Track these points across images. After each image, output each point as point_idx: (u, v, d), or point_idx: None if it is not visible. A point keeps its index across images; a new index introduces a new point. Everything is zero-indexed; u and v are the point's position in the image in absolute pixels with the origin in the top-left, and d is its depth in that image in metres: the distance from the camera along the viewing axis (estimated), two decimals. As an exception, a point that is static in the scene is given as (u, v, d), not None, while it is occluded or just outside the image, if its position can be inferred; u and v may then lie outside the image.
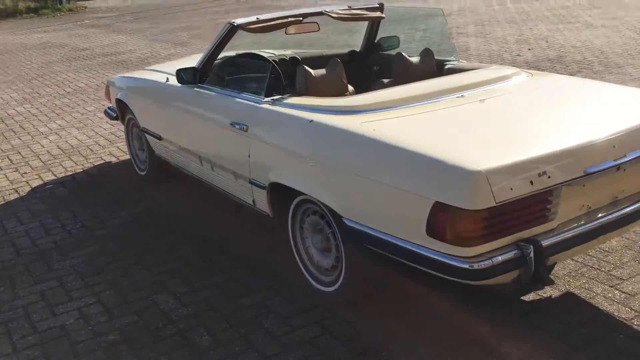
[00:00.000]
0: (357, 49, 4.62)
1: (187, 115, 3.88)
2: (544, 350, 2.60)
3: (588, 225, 2.50)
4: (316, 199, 2.83)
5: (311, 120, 2.89)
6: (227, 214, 4.10)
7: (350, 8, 4.10)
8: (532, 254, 2.27)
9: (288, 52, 4.39)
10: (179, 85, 3.93)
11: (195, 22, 14.91)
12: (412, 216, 2.37)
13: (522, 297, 2.98)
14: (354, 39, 4.74)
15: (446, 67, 3.84)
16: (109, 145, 5.82)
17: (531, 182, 2.28)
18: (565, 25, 10.86)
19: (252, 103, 3.29)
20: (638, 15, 11.49)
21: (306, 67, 3.37)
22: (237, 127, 3.29)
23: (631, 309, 2.84)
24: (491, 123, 2.77)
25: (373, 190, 2.54)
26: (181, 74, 3.78)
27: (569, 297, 2.98)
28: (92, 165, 5.31)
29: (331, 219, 2.83)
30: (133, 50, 11.30)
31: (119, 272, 3.49)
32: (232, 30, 3.72)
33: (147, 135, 4.47)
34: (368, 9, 4.17)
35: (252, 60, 3.88)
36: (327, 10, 3.97)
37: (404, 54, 3.79)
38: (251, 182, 3.29)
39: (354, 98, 3.07)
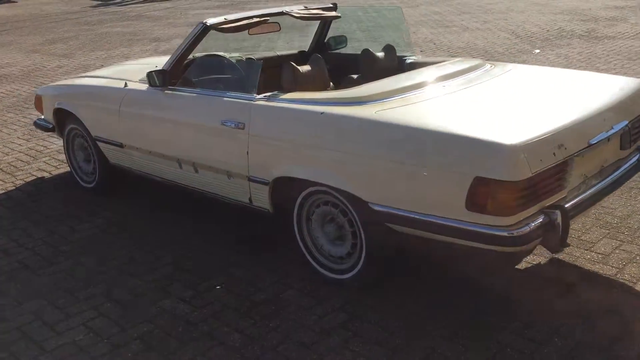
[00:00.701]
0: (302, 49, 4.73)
1: (161, 119, 3.79)
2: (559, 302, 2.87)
3: (590, 190, 2.80)
4: (335, 187, 2.91)
5: (322, 113, 2.97)
6: (199, 216, 4.06)
7: (306, 8, 4.21)
8: (559, 219, 2.51)
9: (243, 54, 4.40)
10: (145, 89, 3.84)
11: (67, 32, 14.15)
12: (450, 193, 2.53)
13: (516, 267, 3.25)
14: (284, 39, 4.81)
15: (407, 61, 4.06)
16: (33, 161, 5.46)
17: (554, 154, 2.53)
18: (445, 29, 11.62)
19: (245, 101, 3.31)
20: (504, 19, 12.53)
21: (293, 64, 3.44)
22: (231, 125, 3.29)
23: (612, 267, 3.19)
24: (496, 105, 3.02)
25: (404, 173, 2.67)
26: (153, 77, 3.70)
27: (555, 262, 3.29)
28: (23, 182, 4.97)
29: (349, 206, 2.93)
30: (11, 63, 10.56)
31: (108, 284, 3.35)
32: (205, 30, 3.70)
33: (101, 144, 4.28)
34: (323, 9, 4.30)
35: (236, 60, 3.86)
36: (287, 10, 4.06)
37: (371, 50, 3.95)
38: (250, 180, 3.30)
39: (352, 91, 3.17)
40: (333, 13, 4.29)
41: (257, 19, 3.85)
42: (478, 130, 2.56)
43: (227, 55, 4.17)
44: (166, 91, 3.78)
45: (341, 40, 4.68)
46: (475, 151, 2.47)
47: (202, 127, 3.52)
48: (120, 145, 4.10)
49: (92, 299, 3.22)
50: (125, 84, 4.10)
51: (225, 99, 3.44)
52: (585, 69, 7.53)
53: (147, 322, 2.99)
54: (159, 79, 3.73)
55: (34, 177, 5.06)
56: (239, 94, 3.40)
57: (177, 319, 2.99)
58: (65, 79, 5.28)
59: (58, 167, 5.26)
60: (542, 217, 2.52)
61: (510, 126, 2.65)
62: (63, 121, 4.66)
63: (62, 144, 4.83)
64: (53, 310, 3.14)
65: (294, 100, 3.17)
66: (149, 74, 3.72)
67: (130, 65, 5.19)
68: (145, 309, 3.10)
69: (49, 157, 5.51)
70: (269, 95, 3.28)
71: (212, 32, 3.71)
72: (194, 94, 3.64)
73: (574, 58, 8.41)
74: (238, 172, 3.36)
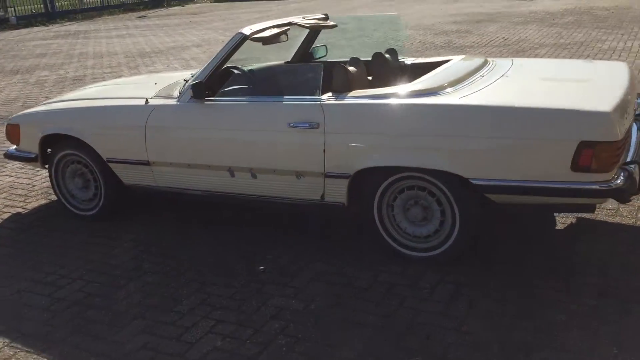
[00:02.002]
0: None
1: (205, 130, 3.81)
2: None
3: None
4: (430, 169, 3.22)
5: (405, 104, 3.28)
6: (234, 225, 4.12)
7: (304, 18, 4.46)
8: (637, 171, 3.07)
9: (256, 64, 4.52)
10: (175, 103, 3.86)
11: None
12: (555, 159, 2.98)
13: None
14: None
15: (408, 62, 4.48)
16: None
17: (626, 119, 3.09)
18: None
19: (314, 102, 3.49)
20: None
21: (346, 66, 3.69)
22: (304, 126, 3.46)
23: None
24: (550, 86, 3.51)
25: (507, 148, 3.06)
26: (197, 90, 3.73)
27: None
28: (1, 219, 4.60)
29: (443, 186, 3.26)
30: None
31: (205, 291, 3.34)
32: (243, 40, 3.82)
33: (115, 165, 4.15)
34: (319, 19, 4.57)
35: (294, 66, 3.97)
36: (295, 20, 4.29)
37: (382, 53, 4.31)
38: (327, 176, 3.48)
39: (413, 85, 3.48)
40: (330, 22, 4.58)
41: (287, 27, 4.03)
42: (572, 102, 3.05)
43: (243, 67, 4.29)
44: (206, 102, 3.81)
45: (322, 50, 4.97)
46: (579, 119, 2.95)
47: (264, 132, 3.62)
48: (146, 163, 4.02)
49: (200, 306, 3.20)
50: (146, 100, 4.04)
51: (290, 102, 3.58)
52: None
53: (276, 319, 3.05)
54: (198, 91, 3.76)
55: (10, 213, 4.69)
56: (303, 97, 3.57)
57: (308, 315, 3.08)
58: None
59: (37, 198, 4.92)
60: (623, 172, 3.05)
61: (589, 98, 3.16)
62: (49, 149, 4.42)
63: (49, 174, 4.55)
64: (170, 330, 3.07)
65: (367, 96, 3.43)
66: (194, 86, 3.73)
67: (109, 86, 5.01)
68: (262, 312, 3.14)
69: (15, 193, 5.11)
70: (335, 95, 3.50)
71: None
72: (247, 102, 3.73)
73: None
74: (311, 170, 3.52)
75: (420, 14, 16.58)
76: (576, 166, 2.95)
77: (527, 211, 3.63)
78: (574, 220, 3.87)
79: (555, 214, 3.90)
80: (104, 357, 2.85)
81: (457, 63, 3.90)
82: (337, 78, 3.65)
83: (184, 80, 4.28)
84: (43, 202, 4.91)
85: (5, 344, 3.02)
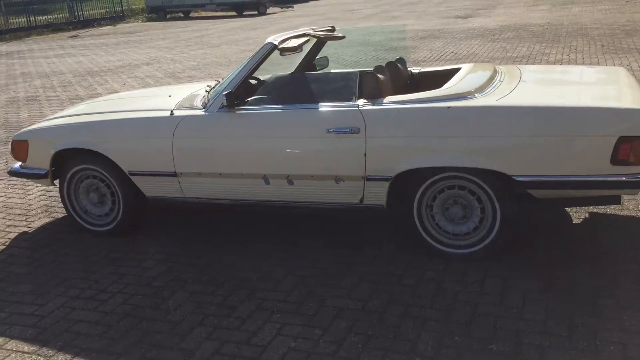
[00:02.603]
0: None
1: (238, 139, 3.84)
2: None
3: None
4: (473, 168, 3.38)
5: (448, 107, 3.44)
6: (263, 232, 4.16)
7: (315, 30, 4.58)
8: None
9: (281, 73, 4.60)
10: (203, 113, 3.88)
11: None
12: (595, 154, 3.21)
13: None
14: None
15: (415, 71, 4.66)
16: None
17: None
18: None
19: (352, 108, 3.60)
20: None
21: (377, 74, 3.82)
22: (344, 131, 3.55)
23: None
24: (572, 89, 3.75)
25: (550, 145, 3.26)
26: (230, 99, 3.77)
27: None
28: (8, 239, 4.44)
29: (484, 183, 3.42)
30: None
31: (260, 297, 3.36)
32: (272, 50, 3.89)
33: (138, 177, 4.10)
34: (328, 31, 4.70)
35: (327, 74, 4.05)
36: (309, 32, 4.40)
37: (395, 62, 4.47)
38: (368, 179, 3.59)
39: (443, 90, 3.64)
40: (339, 34, 4.70)
41: (306, 38, 4.13)
42: (609, 101, 3.30)
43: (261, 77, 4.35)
44: (237, 111, 3.84)
45: (324, 61, 5.09)
46: (618, 116, 3.19)
47: (302, 138, 3.69)
48: (173, 175, 4.00)
49: (258, 311, 3.22)
50: (171, 112, 4.03)
51: (327, 109, 3.67)
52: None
53: (340, 318, 3.11)
54: (231, 101, 3.79)
55: (20, 232, 4.54)
56: (339, 103, 3.67)
57: (369, 313, 3.16)
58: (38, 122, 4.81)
59: (38, 217, 4.77)
60: None
61: (622, 97, 3.42)
62: (61, 165, 4.33)
63: (60, 190, 4.43)
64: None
65: (404, 102, 3.57)
66: (227, 96, 3.76)
67: (116, 100, 4.93)
68: (324, 313, 3.19)
69: (19, 210, 4.93)
70: (371, 101, 3.62)
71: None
72: (282, 109, 3.79)
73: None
74: (351, 174, 3.61)
75: (362, 32, 16.98)
76: (615, 160, 3.18)
77: (562, 205, 3.84)
78: (587, 215, 4.12)
79: (567, 209, 4.14)
80: (180, 365, 2.83)
81: (473, 70, 4.09)
82: (370, 85, 3.76)
83: (206, 91, 4.29)
84: (46, 220, 4.77)
85: (69, 359, 2.94)
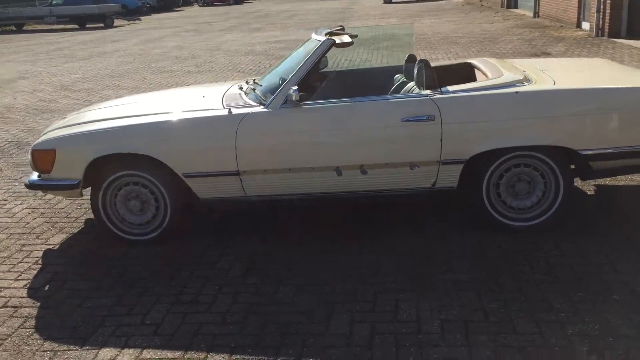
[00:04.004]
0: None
1: (310, 133, 3.89)
2: None
3: None
4: (544, 145, 3.77)
5: (517, 92, 3.81)
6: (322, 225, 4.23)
7: (331, 29, 4.73)
8: None
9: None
10: (266, 109, 3.91)
11: None
12: (643, 125, 3.75)
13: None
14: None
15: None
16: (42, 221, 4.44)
17: None
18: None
19: (425, 98, 3.84)
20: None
21: (430, 64, 4.08)
22: (421, 119, 3.78)
23: None
24: (596, 74, 4.29)
25: (607, 120, 3.75)
26: (301, 95, 3.82)
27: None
28: (53, 246, 4.08)
29: (550, 159, 3.83)
30: None
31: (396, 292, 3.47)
32: (330, 47, 4.02)
33: (194, 179, 3.97)
34: (341, 31, 4.86)
35: (389, 68, 4.21)
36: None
37: (411, 57, 4.75)
38: (443, 163, 3.84)
39: (497, 79, 4.00)
40: (353, 33, 4.88)
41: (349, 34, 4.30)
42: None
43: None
44: (304, 106, 3.91)
45: (325, 60, 5.24)
46: None
47: (377, 129, 3.85)
48: (235, 173, 3.94)
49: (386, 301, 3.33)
50: (229, 110, 3.98)
51: (399, 99, 3.88)
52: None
53: (458, 305, 3.33)
54: (295, 97, 3.84)
55: (63, 237, 4.17)
56: (410, 94, 3.89)
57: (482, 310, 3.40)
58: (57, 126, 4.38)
59: (73, 228, 4.39)
60: None
61: None
62: (97, 174, 4.07)
63: (93, 200, 4.14)
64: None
65: (469, 89, 3.88)
66: (297, 92, 3.79)
67: (141, 104, 4.68)
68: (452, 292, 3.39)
69: (51, 219, 4.50)
70: (440, 90, 3.89)
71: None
72: (353, 102, 3.91)
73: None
74: (427, 159, 3.84)
75: (240, 42, 17.07)
76: (660, 130, 3.75)
77: (608, 175, 4.31)
78: (592, 192, 4.70)
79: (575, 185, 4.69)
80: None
81: (500, 63, 4.49)
82: (431, 75, 4.01)
83: (252, 88, 4.27)
84: (62, 235, 4.40)
85: (226, 358, 2.86)
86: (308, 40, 4.63)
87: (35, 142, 4.20)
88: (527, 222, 3.98)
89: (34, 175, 4.23)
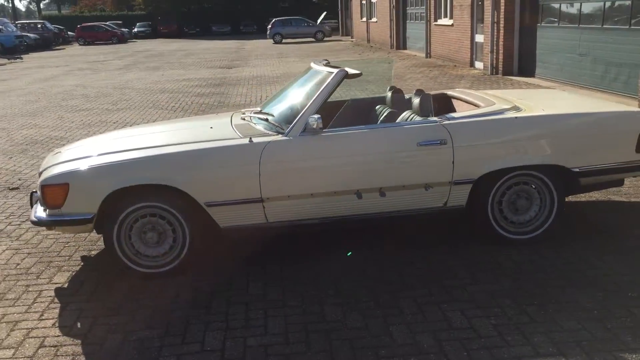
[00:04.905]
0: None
1: (331, 159, 4.05)
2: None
3: None
4: (541, 165, 4.18)
5: (516, 117, 4.22)
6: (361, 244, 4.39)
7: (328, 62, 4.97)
8: None
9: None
10: (286, 137, 4.05)
11: None
12: (624, 145, 4.27)
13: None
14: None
15: (407, 97, 5.34)
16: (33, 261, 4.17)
17: None
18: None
19: (434, 124, 4.16)
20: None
21: (429, 95, 4.42)
22: (433, 144, 4.08)
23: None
24: (572, 101, 4.81)
25: (595, 140, 4.24)
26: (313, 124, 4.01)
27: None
28: (62, 284, 3.91)
29: (546, 177, 4.25)
30: None
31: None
32: (344, 76, 4.25)
33: (216, 208, 3.99)
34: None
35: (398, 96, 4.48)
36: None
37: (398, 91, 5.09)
38: (454, 184, 4.15)
39: (493, 106, 4.40)
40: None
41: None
42: (624, 107, 4.40)
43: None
44: (324, 134, 4.09)
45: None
46: (637, 117, 4.30)
47: (395, 153, 4.09)
48: (258, 201, 4.02)
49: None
50: (250, 139, 4.07)
51: (413, 126, 4.16)
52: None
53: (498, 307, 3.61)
54: (317, 125, 4.02)
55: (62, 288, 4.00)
56: (419, 120, 4.20)
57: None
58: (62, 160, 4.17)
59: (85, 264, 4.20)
60: None
61: (614, 104, 4.56)
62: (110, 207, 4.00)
63: (108, 234, 4.03)
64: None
65: (474, 115, 4.25)
66: (319, 120, 3.97)
67: (151, 134, 4.63)
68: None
69: (65, 257, 4.26)
70: (445, 117, 4.22)
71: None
72: (370, 129, 4.17)
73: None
74: (440, 181, 4.13)
75: (147, 81, 16.83)
76: (638, 149, 4.28)
77: (592, 190, 4.76)
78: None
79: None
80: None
81: (484, 92, 4.93)
82: (427, 105, 4.35)
83: (263, 118, 4.37)
84: (66, 274, 4.22)
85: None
86: (308, 70, 4.82)
87: (44, 178, 4.03)
88: (526, 235, 4.35)
89: (39, 211, 4.06)
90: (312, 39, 36.18)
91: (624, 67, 10.13)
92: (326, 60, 5.16)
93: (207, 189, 3.98)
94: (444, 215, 4.28)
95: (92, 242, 4.77)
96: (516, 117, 4.23)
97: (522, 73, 13.92)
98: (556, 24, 12.42)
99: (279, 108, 4.54)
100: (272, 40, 35.95)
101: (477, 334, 3.22)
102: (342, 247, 4.43)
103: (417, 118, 4.42)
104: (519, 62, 14.17)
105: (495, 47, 14.45)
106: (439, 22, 19.05)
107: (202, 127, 4.62)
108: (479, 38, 15.79)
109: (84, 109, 12.12)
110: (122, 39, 44.42)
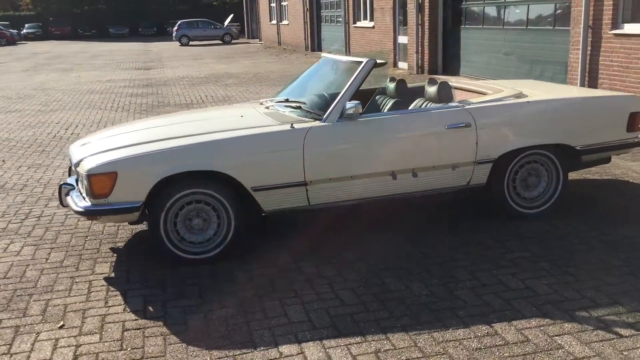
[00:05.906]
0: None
1: (370, 142, 4.28)
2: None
3: None
4: (552, 144, 4.62)
5: (528, 102, 4.64)
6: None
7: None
8: None
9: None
10: (325, 123, 4.25)
11: None
12: (617, 125, 4.79)
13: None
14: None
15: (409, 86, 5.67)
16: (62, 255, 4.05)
17: None
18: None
19: (458, 108, 4.50)
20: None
21: (448, 83, 4.76)
22: (461, 125, 4.42)
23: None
24: (567, 88, 5.30)
25: (594, 121, 4.73)
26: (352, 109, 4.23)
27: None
28: (107, 274, 3.88)
29: (554, 155, 4.69)
30: None
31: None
32: (374, 65, 4.50)
33: (262, 192, 4.12)
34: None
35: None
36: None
37: (403, 81, 5.40)
38: (478, 163, 4.50)
39: (502, 92, 4.79)
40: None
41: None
42: (614, 91, 4.93)
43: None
44: (360, 119, 4.32)
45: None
46: (627, 100, 4.85)
47: (426, 135, 4.39)
48: (302, 184, 4.18)
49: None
50: (292, 125, 4.22)
51: (441, 110, 4.48)
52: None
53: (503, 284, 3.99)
54: (355, 110, 4.25)
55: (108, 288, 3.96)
56: (446, 105, 4.52)
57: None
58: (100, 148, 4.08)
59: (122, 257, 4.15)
60: None
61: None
62: (159, 196, 4.02)
63: (154, 222, 4.05)
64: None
65: (493, 100, 4.62)
66: (358, 106, 4.19)
67: (184, 123, 4.71)
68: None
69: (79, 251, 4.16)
70: (464, 102, 4.57)
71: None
72: (402, 114, 4.46)
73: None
74: (465, 161, 4.46)
75: (65, 82, 16.21)
76: (629, 128, 4.82)
77: (591, 165, 5.22)
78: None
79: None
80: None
81: (481, 82, 5.33)
82: (446, 91, 4.70)
83: (299, 107, 4.52)
84: (105, 265, 4.18)
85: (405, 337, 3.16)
86: (320, 60, 5.04)
87: (89, 167, 3.96)
88: (536, 210, 4.78)
89: (82, 201, 4.00)
90: (220, 42, 35.96)
91: (549, 65, 11.01)
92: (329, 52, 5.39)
93: (254, 174, 4.09)
94: (466, 192, 4.62)
95: (111, 234, 4.72)
96: (529, 101, 4.64)
97: (446, 72, 14.68)
98: (480, 26, 13.24)
99: (307, 96, 4.70)
100: (178, 42, 35.37)
101: (536, 292, 3.56)
102: (372, 228, 4.66)
103: (433, 105, 4.74)
104: (443, 62, 14.94)
105: (420, 48, 15.15)
106: (359, 24, 19.64)
107: (233, 117, 4.70)
108: (402, 39, 16.47)
109: (14, 110, 11.57)
110: (11, 41, 42.12)
